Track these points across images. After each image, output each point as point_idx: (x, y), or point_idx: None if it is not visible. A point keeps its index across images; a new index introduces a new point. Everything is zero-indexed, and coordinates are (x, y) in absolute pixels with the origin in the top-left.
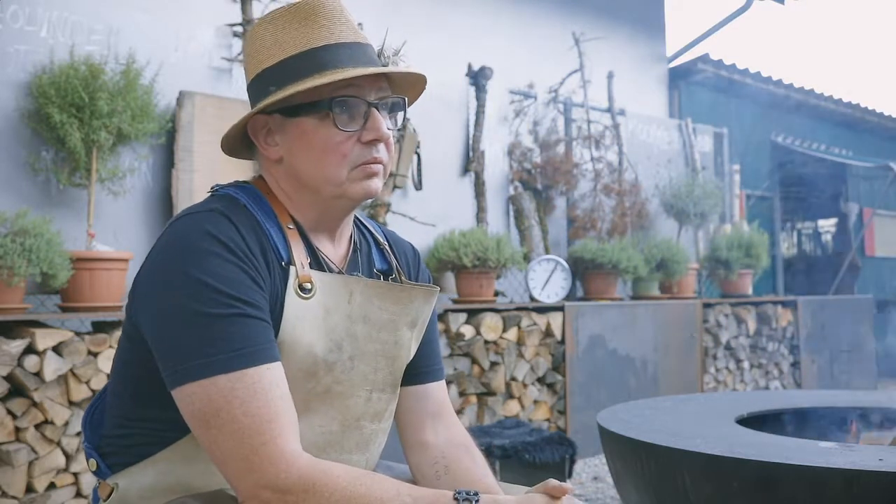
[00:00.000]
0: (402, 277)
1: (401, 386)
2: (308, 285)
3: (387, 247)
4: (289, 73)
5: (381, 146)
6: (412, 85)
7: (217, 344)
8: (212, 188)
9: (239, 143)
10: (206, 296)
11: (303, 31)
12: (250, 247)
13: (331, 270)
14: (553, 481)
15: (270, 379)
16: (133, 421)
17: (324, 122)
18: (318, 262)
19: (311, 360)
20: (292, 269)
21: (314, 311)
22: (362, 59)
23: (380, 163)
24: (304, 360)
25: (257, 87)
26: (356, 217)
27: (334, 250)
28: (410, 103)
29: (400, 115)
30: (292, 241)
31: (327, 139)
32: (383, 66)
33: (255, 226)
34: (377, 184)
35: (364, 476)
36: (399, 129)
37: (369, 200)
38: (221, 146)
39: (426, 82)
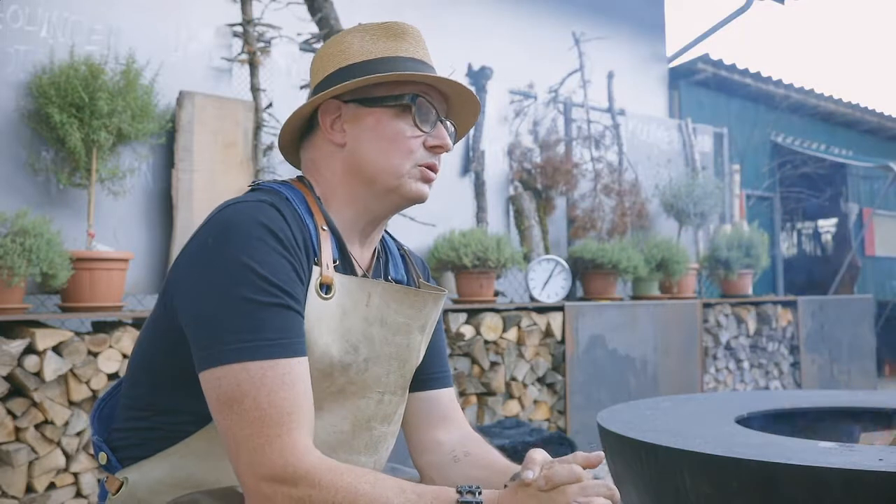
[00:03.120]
0: (420, 281)
1: (411, 391)
2: (329, 287)
3: (406, 253)
4: (374, 69)
5: (439, 157)
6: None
7: (255, 330)
8: (252, 183)
9: (299, 130)
10: (252, 282)
11: (391, 43)
12: (296, 239)
13: (356, 274)
14: (533, 456)
15: (299, 372)
16: (149, 411)
17: (399, 116)
18: (347, 265)
19: (327, 361)
20: (316, 268)
21: (332, 311)
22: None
23: (436, 171)
24: (321, 360)
25: (334, 80)
26: None
27: (362, 255)
28: (457, 138)
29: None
30: (323, 242)
31: (399, 132)
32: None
33: (299, 221)
34: (428, 190)
35: (368, 474)
36: None
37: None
38: (281, 133)
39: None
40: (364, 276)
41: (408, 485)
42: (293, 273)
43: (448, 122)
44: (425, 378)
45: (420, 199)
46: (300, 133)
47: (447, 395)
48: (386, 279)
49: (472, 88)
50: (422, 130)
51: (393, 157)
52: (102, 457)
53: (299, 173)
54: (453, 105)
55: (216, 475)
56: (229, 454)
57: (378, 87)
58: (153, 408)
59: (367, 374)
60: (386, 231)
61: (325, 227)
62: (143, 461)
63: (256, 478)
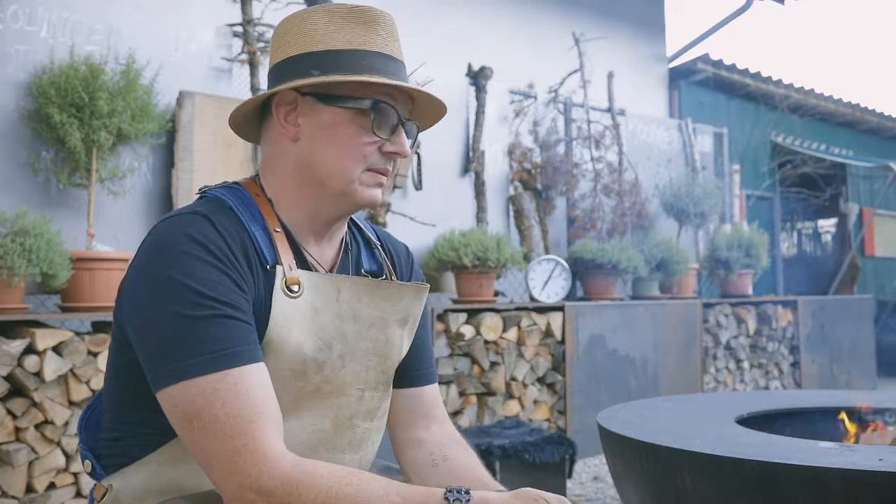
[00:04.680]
0: (393, 277)
1: (394, 387)
2: (295, 287)
3: (378, 246)
4: (339, 63)
5: (394, 161)
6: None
7: (198, 346)
8: (200, 189)
9: (251, 117)
10: (185, 298)
11: (360, 32)
12: (231, 249)
13: (317, 272)
14: None
15: (252, 380)
16: (124, 424)
17: (358, 119)
18: (304, 265)
19: (300, 360)
20: (279, 268)
21: (302, 310)
22: (404, 78)
23: (388, 175)
24: (293, 359)
25: (296, 65)
26: (350, 218)
27: (323, 252)
28: (420, 130)
29: (411, 140)
30: (279, 244)
31: (355, 136)
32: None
33: (239, 228)
34: (380, 194)
35: (350, 475)
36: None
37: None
38: (231, 118)
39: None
40: (326, 273)
41: (392, 486)
42: (229, 282)
43: (410, 124)
44: (409, 375)
45: (371, 205)
46: (256, 121)
47: (430, 393)
48: (358, 271)
49: (472, 89)
50: (379, 137)
51: (345, 162)
52: (87, 465)
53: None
54: (419, 103)
55: (196, 479)
56: (203, 468)
57: (339, 85)
58: (125, 420)
59: (344, 370)
60: (355, 220)
61: (279, 229)
62: (124, 469)
63: (234, 490)
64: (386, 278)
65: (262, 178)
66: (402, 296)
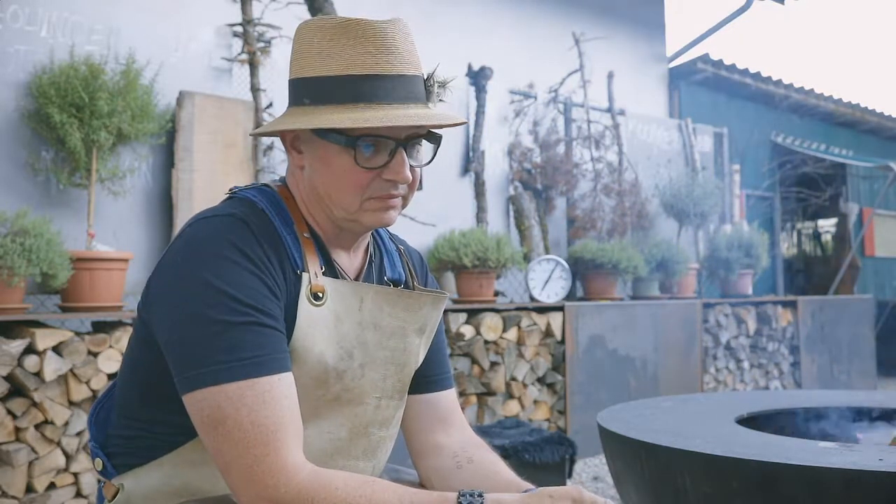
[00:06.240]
0: (416, 283)
1: (410, 394)
2: (320, 294)
3: (402, 251)
4: (325, 92)
5: (402, 185)
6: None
7: (230, 351)
8: (230, 190)
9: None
10: (222, 303)
11: (349, 50)
12: (268, 255)
13: (345, 280)
14: None
15: (280, 389)
16: (140, 422)
17: (347, 152)
18: (332, 272)
19: (321, 368)
20: (305, 276)
21: (326, 318)
22: (402, 94)
23: (397, 198)
24: (315, 367)
25: (295, 89)
26: None
27: (350, 261)
28: (439, 141)
29: (433, 146)
30: (307, 250)
31: (347, 169)
32: (428, 91)
33: (273, 233)
34: (392, 216)
35: (364, 486)
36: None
37: None
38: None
39: (461, 121)
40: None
41: (407, 493)
42: (265, 290)
43: (417, 142)
44: (425, 380)
45: (384, 226)
46: None
47: (447, 398)
48: (381, 280)
49: (472, 89)
50: (372, 168)
51: (342, 194)
52: (98, 462)
53: None
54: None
55: (211, 483)
56: (221, 474)
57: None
58: (142, 417)
59: (364, 379)
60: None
61: (308, 235)
62: (137, 469)
63: (250, 498)
64: (407, 286)
65: (290, 186)
66: (421, 305)
